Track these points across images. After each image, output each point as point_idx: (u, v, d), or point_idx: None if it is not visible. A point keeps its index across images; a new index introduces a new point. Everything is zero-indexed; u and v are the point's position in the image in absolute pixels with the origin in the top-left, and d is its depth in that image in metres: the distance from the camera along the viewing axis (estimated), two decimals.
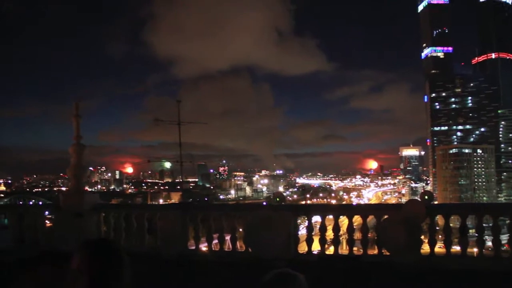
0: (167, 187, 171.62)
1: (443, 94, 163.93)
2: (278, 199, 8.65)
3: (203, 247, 9.53)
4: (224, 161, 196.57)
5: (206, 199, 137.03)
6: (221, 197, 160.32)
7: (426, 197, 7.73)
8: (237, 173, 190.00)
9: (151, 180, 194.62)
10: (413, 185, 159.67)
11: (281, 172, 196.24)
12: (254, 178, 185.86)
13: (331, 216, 8.46)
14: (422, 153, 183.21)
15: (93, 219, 9.79)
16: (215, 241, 9.05)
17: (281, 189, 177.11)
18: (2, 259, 2.32)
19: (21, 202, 79.47)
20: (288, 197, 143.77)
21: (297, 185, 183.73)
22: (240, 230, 8.91)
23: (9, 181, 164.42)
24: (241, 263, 8.10)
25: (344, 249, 8.76)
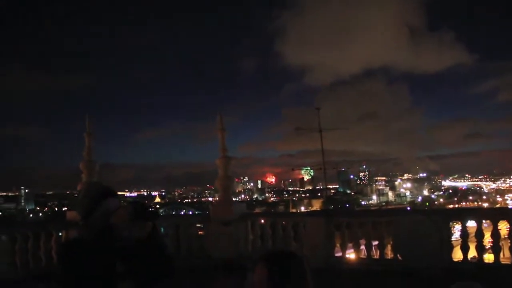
0: (307, 194, 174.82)
1: None
2: (427, 204, 7.86)
3: (349, 255, 9.32)
4: (364, 166, 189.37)
5: (347, 205, 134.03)
6: (362, 203, 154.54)
7: None
8: (378, 178, 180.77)
9: (292, 188, 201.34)
10: None
11: (424, 175, 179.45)
12: (396, 182, 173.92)
13: (485, 221, 7.69)
14: None
15: (240, 227, 10.70)
16: (362, 248, 8.75)
17: (425, 193, 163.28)
18: (178, 267, 2.60)
19: (173, 212, 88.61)
20: (435, 201, 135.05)
21: (443, 188, 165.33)
22: (388, 236, 8.41)
23: (163, 193, 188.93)
24: (390, 271, 7.70)
25: (505, 257, 7.61)
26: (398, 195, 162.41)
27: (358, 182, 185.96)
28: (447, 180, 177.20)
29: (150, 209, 2.52)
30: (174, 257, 2.69)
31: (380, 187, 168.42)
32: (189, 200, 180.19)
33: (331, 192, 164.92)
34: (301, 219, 10.18)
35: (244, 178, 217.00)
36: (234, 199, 13.17)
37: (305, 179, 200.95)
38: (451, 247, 7.76)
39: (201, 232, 11.51)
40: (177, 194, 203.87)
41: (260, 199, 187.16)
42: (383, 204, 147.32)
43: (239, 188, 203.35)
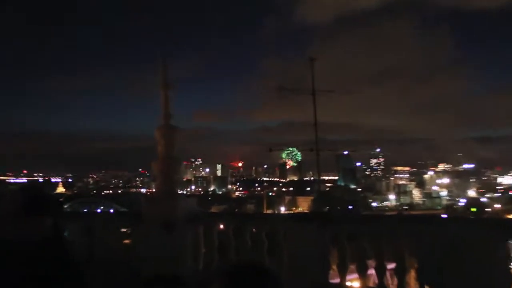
0: (291, 188, 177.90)
1: None
2: (473, 210, 8.03)
3: (351, 282, 9.53)
4: (377, 150, 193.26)
5: (350, 207, 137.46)
6: (373, 204, 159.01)
7: None
8: (399, 168, 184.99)
9: (268, 179, 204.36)
10: None
11: (471, 166, 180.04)
12: (426, 176, 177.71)
13: None
14: None
15: (188, 234, 10.84)
16: (371, 272, 8.93)
17: (472, 193, 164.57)
18: None
19: (85, 209, 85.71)
20: (486, 206, 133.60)
21: (499, 188, 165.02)
22: (411, 257, 8.64)
23: (70, 180, 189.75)
24: None
25: None
26: (428, 195, 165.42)
27: (368, 173, 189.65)
28: (506, 176, 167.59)
29: (49, 199, 2.60)
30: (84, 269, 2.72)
31: (401, 182, 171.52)
32: (111, 191, 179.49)
33: (327, 187, 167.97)
34: (280, 225, 10.30)
35: (197, 160, 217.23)
36: (180, 191, 13.17)
37: (288, 166, 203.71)
38: None
39: (127, 241, 11.50)
40: (91, 181, 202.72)
41: (220, 192, 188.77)
42: (405, 207, 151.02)
43: (189, 176, 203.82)
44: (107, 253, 10.83)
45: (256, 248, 10.16)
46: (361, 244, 9.32)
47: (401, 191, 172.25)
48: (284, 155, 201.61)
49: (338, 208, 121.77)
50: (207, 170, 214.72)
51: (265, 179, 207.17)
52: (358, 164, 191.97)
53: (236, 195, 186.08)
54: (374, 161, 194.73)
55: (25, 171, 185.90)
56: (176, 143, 11.38)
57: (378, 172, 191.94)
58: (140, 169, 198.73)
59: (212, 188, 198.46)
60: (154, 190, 11.93)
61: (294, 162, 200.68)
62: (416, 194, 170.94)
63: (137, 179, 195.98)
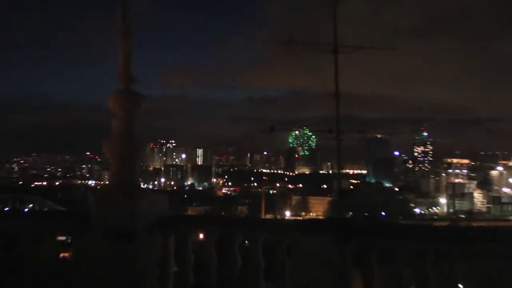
0: (300, 185, 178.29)
1: None
2: None
3: None
4: (425, 134, 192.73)
5: (382, 213, 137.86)
6: (416, 210, 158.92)
7: None
8: (454, 160, 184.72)
9: (268, 171, 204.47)
10: None
11: None
12: (494, 172, 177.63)
13: None
14: None
15: (154, 246, 10.93)
16: None
17: None
18: None
19: (6, 208, 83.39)
20: None
21: None
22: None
23: None
24: None
25: None
26: (496, 200, 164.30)
27: (410, 165, 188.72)
28: None
29: None
30: None
31: (458, 180, 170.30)
32: (44, 183, 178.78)
33: (351, 184, 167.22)
34: (283, 237, 10.31)
35: (169, 142, 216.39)
36: (144, 185, 13.12)
37: (297, 154, 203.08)
38: None
39: (65, 254, 11.47)
40: (16, 168, 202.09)
41: (200, 188, 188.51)
42: (461, 216, 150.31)
43: (157, 164, 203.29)
44: (36, 272, 10.84)
45: (248, 268, 10.18)
46: (397, 268, 9.34)
47: (457, 193, 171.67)
48: (291, 139, 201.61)
49: (366, 214, 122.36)
50: (183, 156, 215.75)
51: (264, 171, 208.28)
52: (397, 153, 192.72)
53: (223, 193, 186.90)
54: (419, 149, 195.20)
55: None
56: (140, 116, 11.42)
57: (425, 165, 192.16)
58: (88, 153, 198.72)
59: (189, 182, 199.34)
60: (106, 182, 11.88)
61: (305, 148, 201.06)
62: (478, 197, 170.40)
63: (83, 166, 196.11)
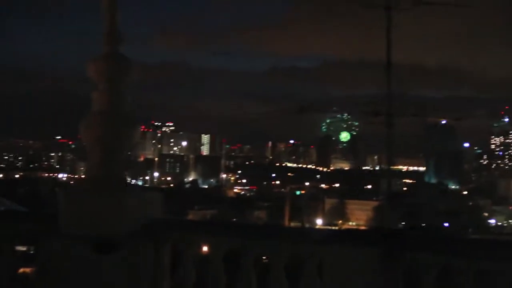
0: (337, 185, 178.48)
1: None
2: None
3: None
4: (505, 119, 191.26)
5: (445, 225, 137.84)
6: (491, 221, 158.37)
7: None
8: None
9: (295, 165, 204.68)
10: None
11: None
12: None
13: None
14: None
15: (142, 259, 10.99)
16: None
17: None
18: None
19: None
20: None
21: None
22: None
23: None
24: None
25: None
26: None
27: (484, 160, 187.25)
28: None
29: None
30: None
31: None
32: (1, 175, 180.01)
33: (405, 185, 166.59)
34: (313, 251, 10.35)
35: (165, 125, 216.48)
36: (131, 180, 13.16)
37: (338, 144, 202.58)
38: None
39: (26, 269, 11.54)
40: None
41: (206, 186, 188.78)
42: None
43: (149, 154, 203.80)
44: None
45: None
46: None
47: None
48: (326, 125, 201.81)
49: (424, 225, 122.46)
50: (184, 144, 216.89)
51: (290, 165, 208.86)
52: (467, 145, 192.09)
53: (235, 192, 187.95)
54: (497, 139, 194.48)
55: None
56: (128, 89, 11.48)
57: (505, 161, 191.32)
58: (58, 137, 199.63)
59: (191, 178, 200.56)
60: (82, 176, 11.86)
61: (344, 137, 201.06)
62: None
63: (52, 154, 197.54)
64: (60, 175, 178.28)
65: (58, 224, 11.09)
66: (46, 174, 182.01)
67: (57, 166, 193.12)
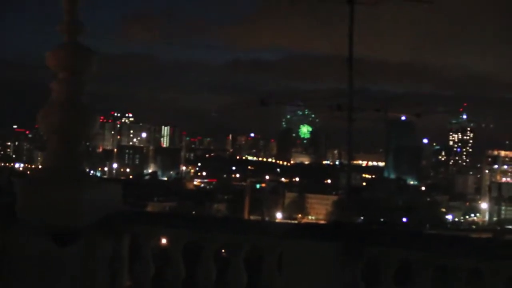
0: (297, 179, 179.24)
1: None
2: None
3: None
4: (463, 117, 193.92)
5: (405, 220, 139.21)
6: (449, 217, 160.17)
7: None
8: (501, 152, 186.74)
9: (255, 158, 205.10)
10: None
11: None
12: None
13: None
14: None
15: (101, 252, 10.95)
16: None
17: None
18: None
19: None
20: None
21: None
22: None
23: None
24: None
25: None
26: None
27: (442, 157, 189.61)
28: None
29: None
30: None
31: (505, 179, 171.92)
32: None
33: (364, 179, 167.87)
34: (272, 244, 10.34)
35: (125, 116, 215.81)
36: (90, 171, 13.13)
37: (298, 138, 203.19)
38: None
39: None
40: None
41: (165, 178, 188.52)
42: (509, 227, 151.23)
43: (108, 145, 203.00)
44: None
45: (225, 284, 10.22)
46: (419, 284, 9.35)
47: (503, 195, 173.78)
48: (286, 119, 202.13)
49: (382, 220, 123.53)
50: (144, 135, 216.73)
51: (250, 158, 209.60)
52: (425, 141, 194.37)
53: (195, 185, 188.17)
54: (455, 136, 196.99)
55: None
56: (88, 80, 11.38)
57: (463, 158, 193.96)
58: (15, 126, 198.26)
59: (150, 170, 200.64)
60: (39, 166, 11.78)
61: (305, 131, 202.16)
62: None
63: (8, 144, 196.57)
64: (17, 165, 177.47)
65: (14, 214, 10.96)
66: (2, 164, 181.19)
67: (13, 156, 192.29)
